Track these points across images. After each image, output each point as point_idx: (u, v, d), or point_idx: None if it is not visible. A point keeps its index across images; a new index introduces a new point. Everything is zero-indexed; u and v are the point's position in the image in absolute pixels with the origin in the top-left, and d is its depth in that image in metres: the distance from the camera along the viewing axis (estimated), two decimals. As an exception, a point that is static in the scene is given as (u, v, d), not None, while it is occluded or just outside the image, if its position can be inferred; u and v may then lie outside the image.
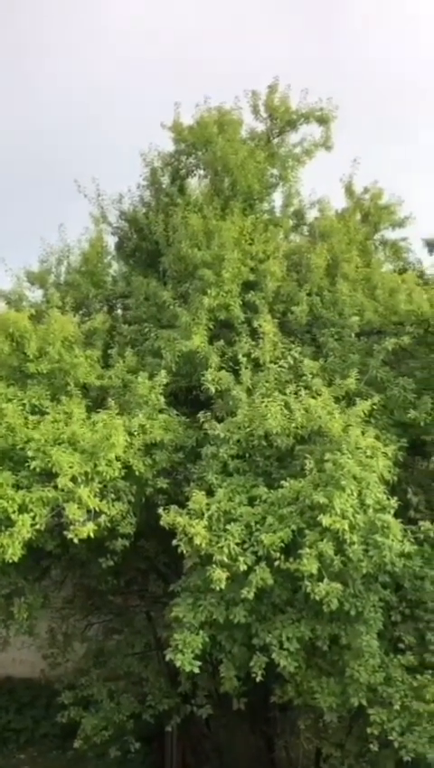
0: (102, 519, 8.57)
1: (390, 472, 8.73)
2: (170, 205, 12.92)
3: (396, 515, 8.33)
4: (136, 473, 9.15)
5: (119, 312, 13.35)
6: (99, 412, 9.47)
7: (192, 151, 13.50)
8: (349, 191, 14.14)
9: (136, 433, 9.35)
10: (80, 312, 12.72)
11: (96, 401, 10.28)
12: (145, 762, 12.97)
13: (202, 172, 13.70)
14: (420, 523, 8.79)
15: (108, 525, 8.75)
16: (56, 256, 13.42)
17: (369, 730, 8.63)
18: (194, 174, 13.87)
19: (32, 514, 8.44)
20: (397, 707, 8.54)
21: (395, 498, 8.49)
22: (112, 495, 8.89)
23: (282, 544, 8.10)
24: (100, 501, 8.62)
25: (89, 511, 8.46)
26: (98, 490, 8.67)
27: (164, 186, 13.75)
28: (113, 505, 8.80)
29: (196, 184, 13.86)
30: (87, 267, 13.20)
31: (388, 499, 8.32)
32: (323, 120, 13.35)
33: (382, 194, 14.09)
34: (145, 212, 13.53)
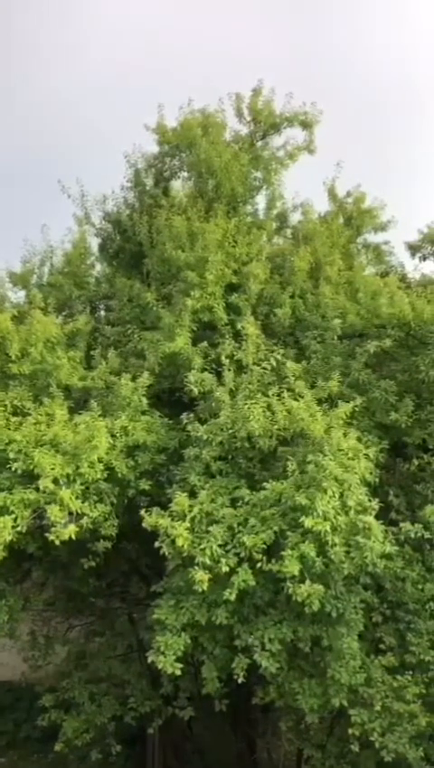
0: (84, 520, 8.55)
1: (371, 473, 8.79)
2: (154, 207, 12.93)
3: (377, 516, 8.38)
4: (119, 475, 9.14)
5: (102, 313, 13.35)
6: (81, 414, 9.45)
7: (175, 153, 13.53)
8: (332, 194, 14.24)
9: (118, 434, 9.34)
10: (63, 313, 12.69)
11: (78, 403, 10.25)
12: (126, 764, 12.93)
13: (185, 174, 13.74)
14: (401, 525, 8.85)
15: (91, 527, 8.73)
16: (39, 256, 13.40)
17: (350, 731, 8.67)
18: (178, 176, 13.91)
19: (13, 516, 8.39)
20: (378, 707, 8.60)
21: (377, 499, 8.55)
22: (94, 497, 8.86)
23: (264, 545, 8.13)
24: (82, 502, 8.60)
25: (70, 513, 8.43)
26: (80, 491, 8.64)
27: (147, 188, 13.75)
28: (95, 507, 8.77)
29: (180, 186, 13.90)
30: (70, 268, 13.18)
31: (369, 500, 8.37)
32: (306, 124, 13.43)
33: (365, 198, 14.22)
34: (128, 214, 13.52)
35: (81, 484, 8.69)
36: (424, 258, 15.15)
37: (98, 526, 8.86)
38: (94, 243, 13.91)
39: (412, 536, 8.76)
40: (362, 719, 8.58)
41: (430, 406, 9.88)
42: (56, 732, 11.17)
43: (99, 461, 8.84)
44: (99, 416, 9.30)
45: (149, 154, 13.78)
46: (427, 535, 8.92)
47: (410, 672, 8.90)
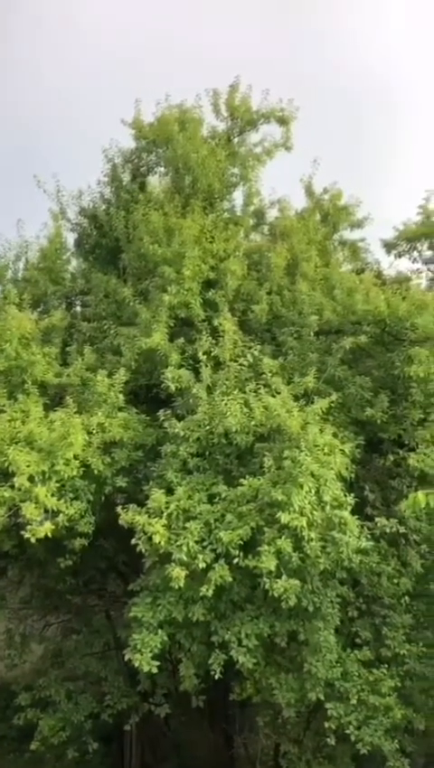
0: (60, 518, 8.48)
1: (347, 469, 8.84)
2: (131, 202, 12.85)
3: (353, 512, 8.45)
4: (95, 472, 9.08)
5: (78, 309, 13.25)
6: (56, 410, 9.38)
7: (152, 148, 13.46)
8: (309, 191, 14.27)
9: (94, 431, 9.28)
10: (38, 309, 12.58)
11: (54, 399, 10.18)
12: (103, 762, 12.87)
13: (162, 169, 13.67)
14: (377, 520, 8.93)
15: (67, 524, 8.66)
16: (14, 252, 13.28)
17: (326, 725, 8.75)
18: (155, 172, 13.84)
19: (-12, 514, 8.31)
20: (354, 701, 8.68)
21: (352, 495, 8.62)
22: (70, 494, 8.80)
23: (241, 541, 8.14)
24: (58, 500, 8.54)
25: (46, 511, 8.37)
26: (55, 489, 8.58)
27: (124, 183, 13.66)
28: (71, 504, 8.71)
29: (157, 182, 13.83)
30: (45, 264, 13.05)
31: (345, 496, 8.43)
32: (283, 120, 13.43)
33: (342, 195, 14.26)
34: (105, 209, 13.42)
35: (57, 482, 8.63)
36: (399, 256, 15.34)
37: (74, 523, 8.81)
38: (70, 238, 13.82)
39: (388, 531, 8.85)
40: (338, 713, 8.66)
41: (405, 402, 9.97)
42: (32, 731, 11.09)
43: (75, 458, 8.79)
44: (75, 412, 9.23)
45: (126, 149, 13.68)
46: (402, 530, 9.02)
47: (386, 666, 9.00)
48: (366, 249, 14.92)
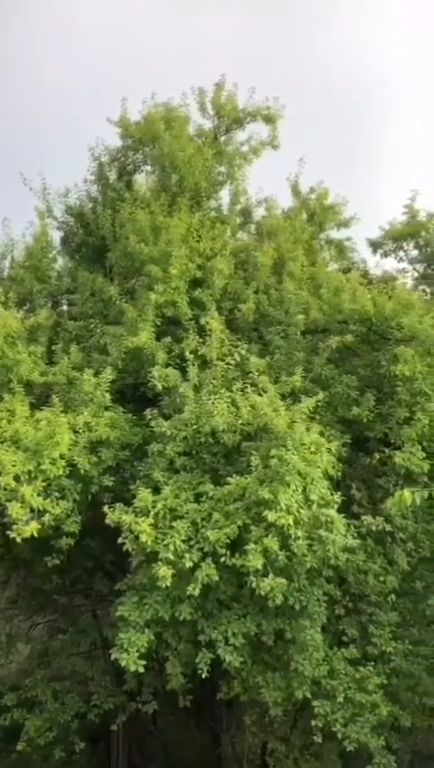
0: (46, 517, 8.45)
1: (334, 467, 8.87)
2: (117, 200, 12.81)
3: (340, 510, 8.48)
4: (82, 471, 9.04)
5: (64, 307, 13.18)
6: (42, 409, 9.33)
7: (139, 147, 13.42)
8: (295, 190, 14.30)
9: (81, 430, 9.24)
10: (24, 307, 12.51)
11: (39, 398, 10.12)
12: (90, 762, 12.84)
13: (149, 168, 13.64)
14: (363, 518, 8.96)
15: (53, 524, 8.63)
16: (-1, 250, 13.17)
17: (313, 722, 8.77)
18: (142, 170, 13.80)
19: (-27, 514, 8.26)
20: (340, 698, 8.71)
21: (339, 493, 8.65)
22: (56, 494, 8.76)
23: (228, 540, 8.14)
24: (44, 499, 8.50)
25: (32, 510, 8.33)
26: (41, 488, 8.54)
27: (111, 181, 13.62)
28: (57, 504, 8.68)
29: (143, 180, 13.79)
30: (31, 262, 12.98)
31: (332, 494, 8.46)
32: (269, 119, 13.44)
33: (328, 194, 14.30)
34: (91, 207, 13.36)
35: (43, 481, 8.59)
36: (385, 255, 15.38)
37: (60, 523, 8.77)
38: (56, 237, 13.75)
39: (374, 529, 8.89)
40: (325, 710, 8.68)
41: (391, 400, 10.00)
42: (19, 731, 11.05)
43: (62, 457, 8.75)
44: (61, 411, 9.20)
45: (112, 147, 13.63)
46: (388, 528, 9.06)
47: (372, 663, 9.04)
48: (353, 249, 14.99)
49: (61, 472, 8.73)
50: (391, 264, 16.08)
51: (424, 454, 9.18)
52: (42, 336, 11.18)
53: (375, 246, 15.50)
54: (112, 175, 13.70)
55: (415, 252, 15.51)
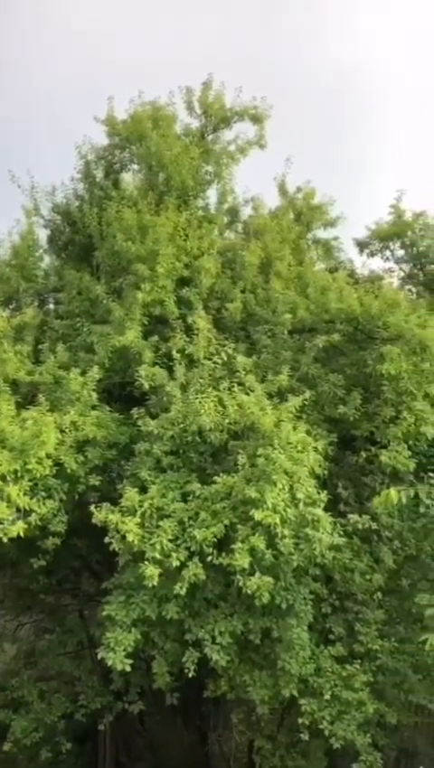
0: (33, 517, 8.42)
1: (320, 466, 8.89)
2: (104, 199, 12.76)
3: (326, 508, 8.50)
4: (68, 471, 9.02)
5: (51, 306, 13.14)
6: (29, 409, 9.28)
7: (126, 145, 13.38)
8: (282, 190, 14.31)
9: (67, 430, 9.21)
10: (10, 306, 12.45)
11: (26, 398, 10.08)
12: (77, 762, 12.82)
13: (136, 166, 13.61)
14: (350, 516, 8.99)
15: (39, 523, 8.60)
16: (-15, 248, 13.08)
17: (300, 720, 8.80)
18: (129, 169, 13.76)
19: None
20: (327, 696, 8.74)
21: (325, 491, 8.67)
22: (43, 493, 8.73)
23: (215, 539, 8.15)
24: (30, 499, 8.46)
25: (18, 510, 8.29)
26: (28, 488, 8.51)
27: (98, 180, 13.57)
28: (44, 503, 8.65)
29: (130, 179, 13.76)
30: (17, 261, 12.91)
31: (318, 492, 8.48)
32: (256, 118, 13.44)
33: (315, 194, 14.32)
34: (78, 205, 13.32)
35: (29, 480, 8.56)
36: (372, 255, 15.39)
37: (47, 522, 8.75)
38: (43, 235, 13.68)
39: (360, 527, 8.91)
40: (311, 708, 8.72)
41: (378, 399, 10.04)
42: (5, 732, 11.01)
43: (48, 457, 8.72)
44: (48, 411, 9.16)
45: (99, 145, 13.59)
46: (374, 526, 9.09)
47: (359, 661, 9.08)
48: (339, 248, 15.00)
49: (47, 472, 8.69)
50: (377, 263, 16.11)
51: (410, 453, 9.21)
52: (29, 335, 11.13)
53: (362, 245, 15.50)
54: (99, 174, 13.65)
55: (401, 252, 15.54)
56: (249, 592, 7.87)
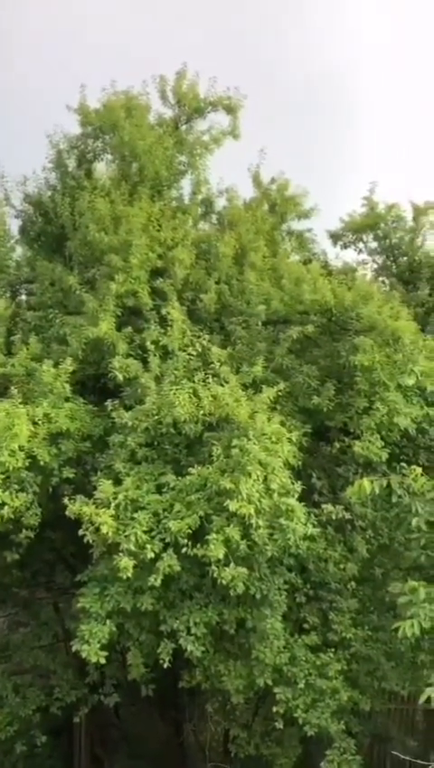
0: (5, 510, 8.35)
1: (295, 457, 8.94)
2: (76, 189, 12.62)
3: (300, 499, 8.56)
4: (41, 463, 8.94)
5: (23, 297, 12.99)
6: (1, 401, 9.18)
7: (98, 134, 13.22)
8: (256, 181, 14.29)
9: (40, 422, 9.13)
10: (-18, 297, 12.26)
11: (-2, 390, 9.96)
12: (52, 755, 12.77)
13: (109, 156, 13.44)
14: (324, 506, 9.06)
15: (12, 517, 8.53)
16: (-44, 238, 12.88)
17: (274, 709, 8.88)
18: (102, 159, 13.59)
19: None
20: (301, 685, 8.83)
21: (300, 482, 8.72)
22: (16, 486, 8.65)
23: (190, 530, 8.16)
24: (3, 492, 8.40)
25: (-10, 503, 8.21)
26: (0, 481, 8.41)
27: (70, 169, 13.40)
28: (17, 496, 8.57)
29: (104, 169, 13.59)
30: (-12, 251, 12.74)
31: (292, 483, 8.53)
32: (231, 109, 13.38)
33: (289, 185, 14.32)
34: (50, 195, 13.14)
35: (2, 473, 8.48)
36: (345, 247, 15.48)
37: (20, 515, 8.67)
38: (14, 225, 13.50)
39: (334, 517, 8.98)
40: (286, 697, 8.80)
41: (351, 390, 10.11)
42: (-22, 726, 10.93)
43: (21, 449, 8.64)
44: (20, 403, 9.08)
45: (72, 135, 13.42)
46: (348, 516, 9.18)
47: (333, 650, 9.17)
48: (313, 240, 15.04)
49: (20, 465, 8.61)
50: (351, 255, 16.22)
51: (382, 443, 9.31)
52: (1, 327, 11.00)
53: (335, 237, 15.57)
54: (71, 163, 13.49)
55: (374, 244, 15.65)
56: (223, 582, 7.91)
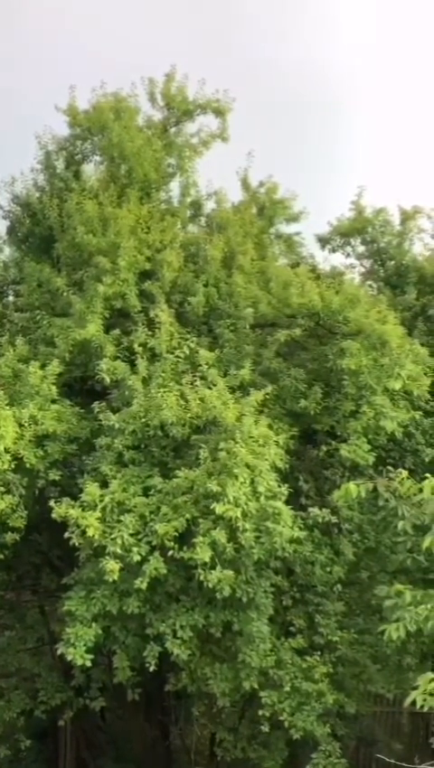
0: (-10, 512, 8.30)
1: (282, 460, 8.95)
2: (65, 190, 12.58)
3: (287, 502, 8.57)
4: (28, 466, 8.91)
5: (10, 299, 12.95)
6: (-13, 403, 9.13)
7: (87, 136, 13.19)
8: (245, 184, 14.28)
9: (26, 424, 9.10)
10: (-31, 299, 12.22)
11: (-16, 392, 9.89)
12: (37, 759, 12.70)
13: (98, 158, 13.42)
14: (310, 509, 9.08)
15: (-2, 519, 8.49)
16: None
17: (261, 712, 8.88)
18: (90, 160, 13.56)
19: None
20: (287, 688, 8.83)
21: (287, 485, 8.73)
22: (1, 488, 8.63)
23: (176, 533, 8.15)
24: (-12, 494, 8.34)
25: (-24, 505, 8.16)
26: (-15, 483, 8.38)
27: (58, 171, 13.35)
28: (2, 498, 8.54)
29: (92, 170, 13.56)
30: (-24, 253, 12.68)
31: (279, 486, 8.54)
32: (219, 111, 13.38)
33: (277, 189, 14.33)
34: (38, 197, 13.10)
35: (-13, 475, 8.43)
36: (333, 250, 15.49)
37: (5, 518, 8.63)
38: (2, 226, 13.46)
39: (321, 520, 9.02)
40: (272, 700, 8.79)
41: (338, 394, 10.14)
42: (-37, 731, 10.85)
43: (6, 451, 8.61)
44: (7, 405, 9.04)
45: (60, 136, 13.39)
46: (334, 519, 9.21)
47: (319, 653, 9.19)
48: (301, 244, 15.06)
49: (6, 467, 8.59)
50: (338, 259, 16.24)
51: (369, 447, 9.34)
52: (-13, 328, 10.96)
53: (323, 241, 15.59)
54: (60, 164, 13.44)
55: (362, 248, 15.69)
56: (210, 585, 7.90)
